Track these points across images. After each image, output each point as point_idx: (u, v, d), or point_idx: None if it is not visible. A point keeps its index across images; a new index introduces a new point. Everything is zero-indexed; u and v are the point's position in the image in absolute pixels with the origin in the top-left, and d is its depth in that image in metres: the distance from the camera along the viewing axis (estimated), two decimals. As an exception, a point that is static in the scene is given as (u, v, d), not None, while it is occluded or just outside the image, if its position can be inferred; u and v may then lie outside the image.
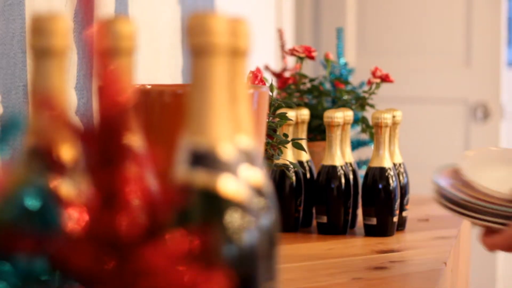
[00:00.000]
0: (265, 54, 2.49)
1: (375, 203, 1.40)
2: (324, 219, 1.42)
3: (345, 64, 1.74)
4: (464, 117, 3.20)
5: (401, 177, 1.48)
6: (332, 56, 1.72)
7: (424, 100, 3.21)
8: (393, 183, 1.41)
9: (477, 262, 2.85)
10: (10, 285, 0.53)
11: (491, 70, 3.15)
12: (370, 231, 1.41)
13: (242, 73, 0.64)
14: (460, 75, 3.19)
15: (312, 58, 1.61)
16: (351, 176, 1.43)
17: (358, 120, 1.64)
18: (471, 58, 3.17)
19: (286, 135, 1.33)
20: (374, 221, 1.40)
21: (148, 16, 1.60)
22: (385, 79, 1.60)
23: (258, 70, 1.25)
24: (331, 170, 1.42)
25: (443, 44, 3.20)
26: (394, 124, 1.47)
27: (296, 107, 1.49)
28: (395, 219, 1.42)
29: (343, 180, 1.42)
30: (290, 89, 1.63)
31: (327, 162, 1.42)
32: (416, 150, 3.05)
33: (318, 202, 1.42)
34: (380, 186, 1.41)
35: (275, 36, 2.27)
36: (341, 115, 1.42)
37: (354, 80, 1.75)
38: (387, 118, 1.43)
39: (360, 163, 1.70)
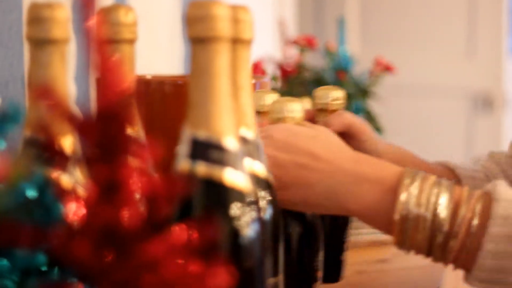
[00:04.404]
0: (267, 45, 2.48)
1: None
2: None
3: (347, 54, 1.73)
4: (467, 106, 3.19)
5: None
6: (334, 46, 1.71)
7: (427, 89, 3.20)
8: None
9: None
10: (9, 278, 0.52)
11: (494, 60, 3.13)
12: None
13: (245, 62, 0.63)
14: (463, 65, 3.17)
15: (313, 48, 1.60)
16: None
17: (360, 111, 1.63)
18: (474, 48, 3.15)
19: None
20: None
21: (148, 5, 1.59)
22: (387, 69, 1.59)
23: (259, 60, 1.23)
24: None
25: (445, 34, 3.19)
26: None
27: (298, 97, 1.48)
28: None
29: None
30: (292, 79, 1.62)
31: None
32: (418, 139, 3.04)
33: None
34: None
35: (277, 26, 2.26)
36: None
37: (357, 70, 1.74)
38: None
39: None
